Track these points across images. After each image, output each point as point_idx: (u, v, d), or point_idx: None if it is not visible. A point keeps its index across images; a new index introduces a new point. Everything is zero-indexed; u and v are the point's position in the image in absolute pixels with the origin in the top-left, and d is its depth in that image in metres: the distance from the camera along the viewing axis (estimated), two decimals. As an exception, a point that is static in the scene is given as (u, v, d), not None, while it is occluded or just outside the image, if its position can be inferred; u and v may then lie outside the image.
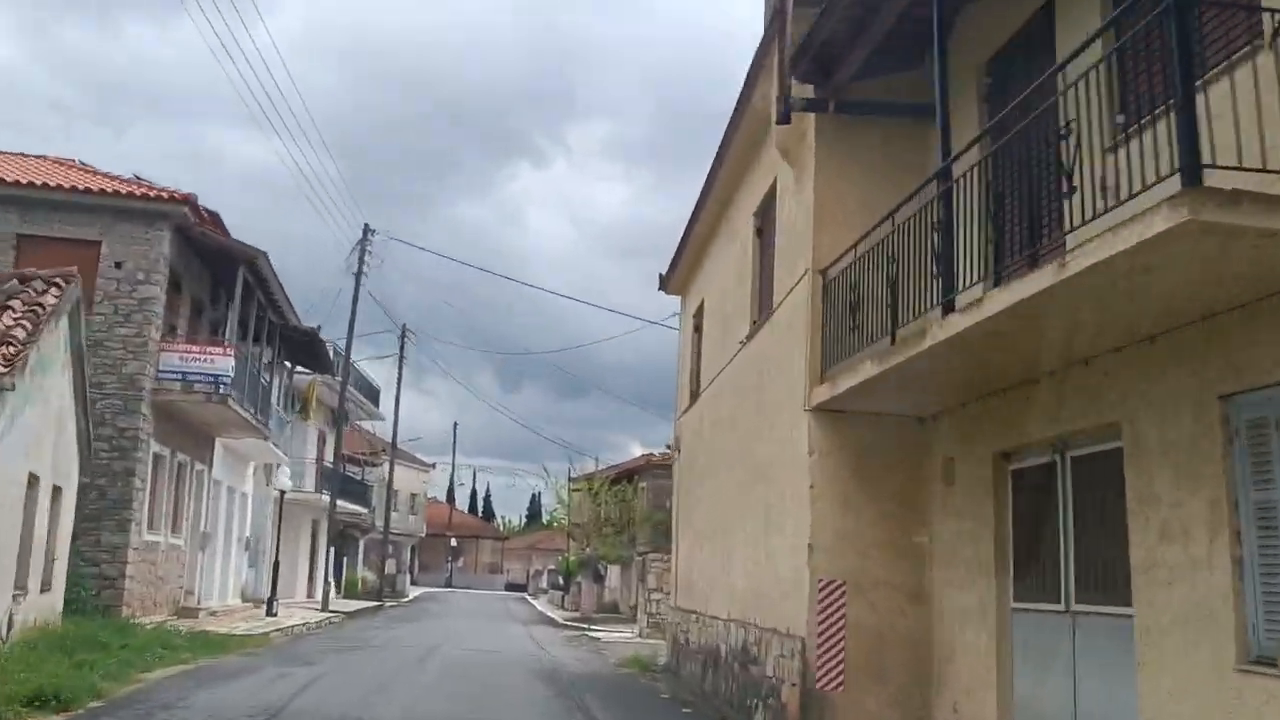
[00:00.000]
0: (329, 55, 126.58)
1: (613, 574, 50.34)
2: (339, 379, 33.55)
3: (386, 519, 50.52)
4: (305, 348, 29.33)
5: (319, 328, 27.78)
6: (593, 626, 35.00)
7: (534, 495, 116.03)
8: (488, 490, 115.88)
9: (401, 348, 51.58)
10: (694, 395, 18.12)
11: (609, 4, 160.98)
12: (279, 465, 27.74)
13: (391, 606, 44.19)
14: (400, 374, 50.76)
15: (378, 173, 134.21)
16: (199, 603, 24.51)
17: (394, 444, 50.99)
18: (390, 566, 64.48)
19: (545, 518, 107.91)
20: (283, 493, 27.42)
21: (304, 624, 24.87)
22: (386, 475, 51.55)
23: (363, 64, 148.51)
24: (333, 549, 41.54)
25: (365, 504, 42.24)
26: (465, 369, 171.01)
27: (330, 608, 32.95)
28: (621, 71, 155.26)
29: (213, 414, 21.70)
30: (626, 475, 43.42)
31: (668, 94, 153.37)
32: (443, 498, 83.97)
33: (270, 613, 26.15)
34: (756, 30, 12.19)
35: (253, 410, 23.78)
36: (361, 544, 55.50)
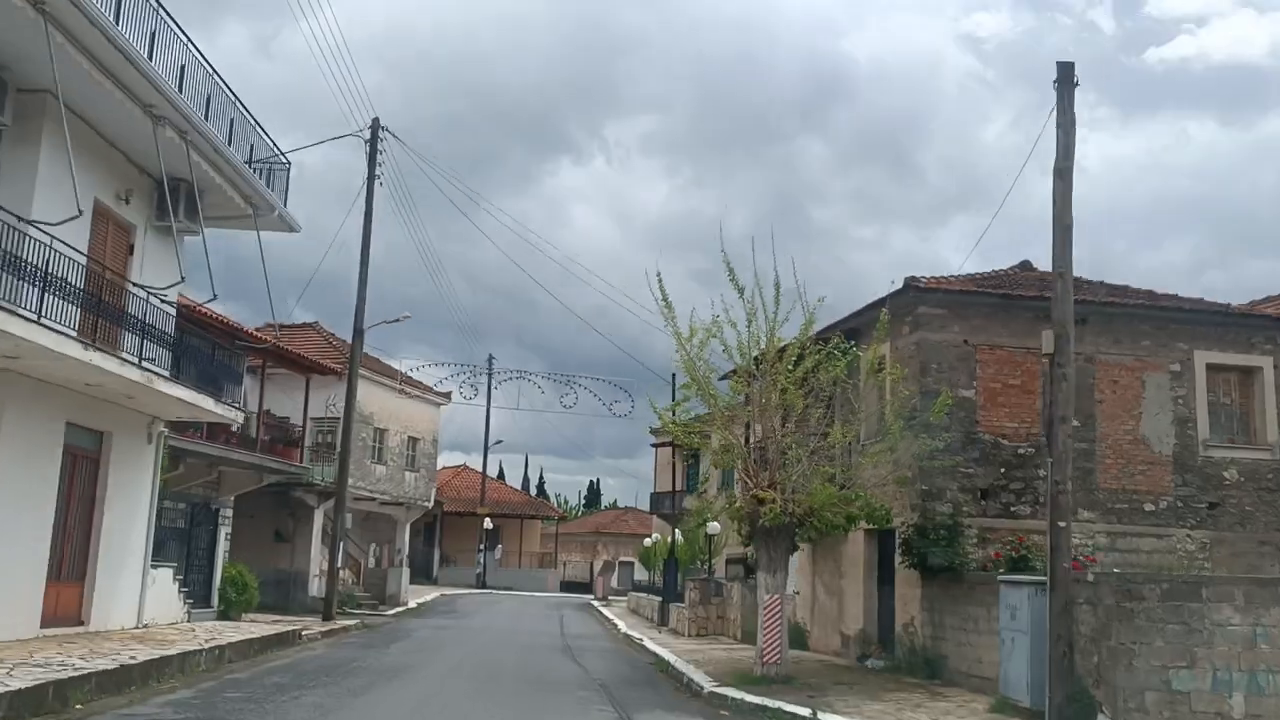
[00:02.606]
0: (367, 55, 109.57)
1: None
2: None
3: (342, 467, 26.34)
4: None
5: None
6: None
7: (592, 482, 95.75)
8: (541, 476, 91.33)
9: (374, 145, 27.43)
10: None
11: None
12: None
13: (318, 640, 19.78)
14: (371, 187, 26.63)
15: (421, 172, 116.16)
16: None
17: (359, 319, 26.64)
18: (372, 554, 39.81)
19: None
20: None
21: None
22: (347, 391, 27.20)
23: (403, 63, 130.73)
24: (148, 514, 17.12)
25: (231, 399, 17.67)
26: (517, 368, 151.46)
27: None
28: (662, 66, 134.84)
29: None
30: (842, 335, 18.43)
31: (709, 88, 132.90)
32: (489, 473, 59.29)
33: None
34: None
35: None
36: (318, 515, 30.78)
